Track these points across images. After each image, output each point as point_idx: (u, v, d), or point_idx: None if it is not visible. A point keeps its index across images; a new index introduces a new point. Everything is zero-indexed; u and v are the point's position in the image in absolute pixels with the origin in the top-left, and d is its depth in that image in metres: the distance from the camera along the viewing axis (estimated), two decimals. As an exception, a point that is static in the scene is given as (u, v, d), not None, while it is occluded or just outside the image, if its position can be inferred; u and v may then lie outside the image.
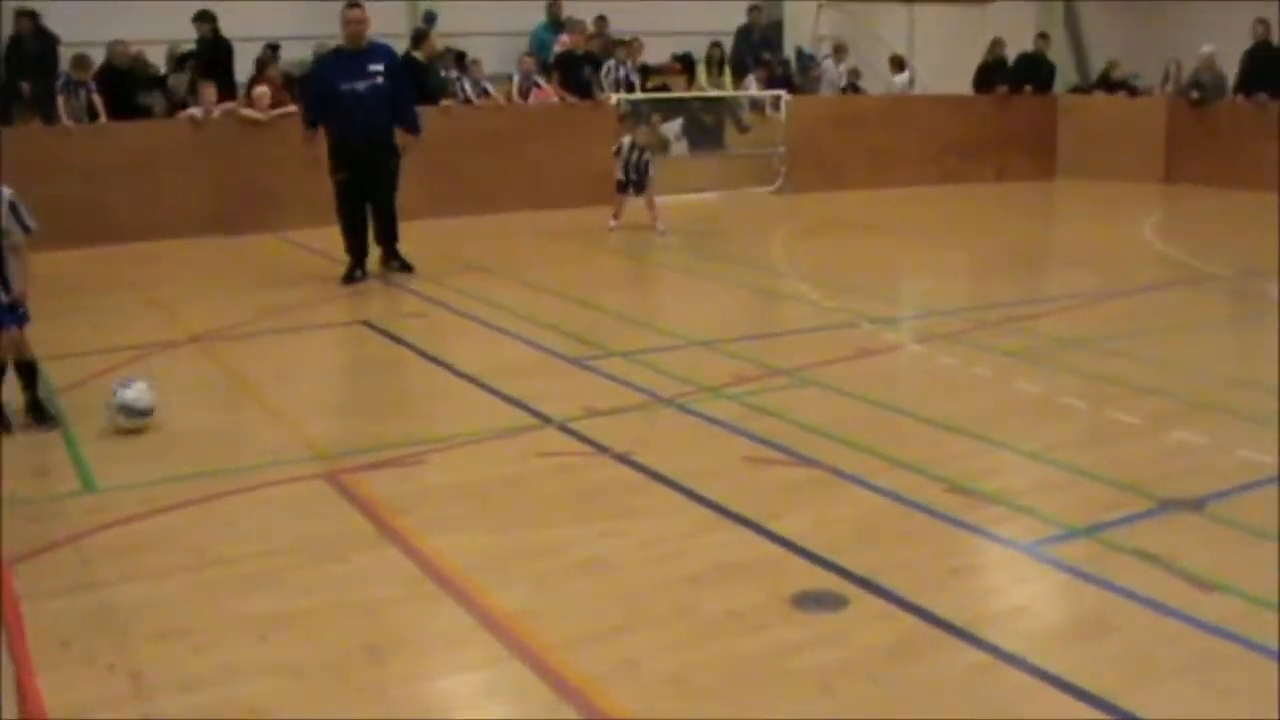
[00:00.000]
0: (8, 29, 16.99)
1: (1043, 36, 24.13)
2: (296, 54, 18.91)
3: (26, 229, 7.90)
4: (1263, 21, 20.72)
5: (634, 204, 16.36)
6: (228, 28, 18.16)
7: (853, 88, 22.88)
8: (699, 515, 6.22)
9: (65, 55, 16.61)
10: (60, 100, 15.83)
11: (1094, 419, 7.89)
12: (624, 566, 5.63)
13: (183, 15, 17.86)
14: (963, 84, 23.09)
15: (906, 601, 5.16)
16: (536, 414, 7.98)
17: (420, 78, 17.03)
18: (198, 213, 15.85)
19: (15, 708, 4.44)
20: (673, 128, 20.42)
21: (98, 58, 16.52)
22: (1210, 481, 6.65)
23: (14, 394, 8.00)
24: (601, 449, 7.29)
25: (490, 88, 19.00)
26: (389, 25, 18.24)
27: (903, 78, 23.20)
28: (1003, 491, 6.50)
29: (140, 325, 10.89)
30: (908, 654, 4.79)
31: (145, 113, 16.83)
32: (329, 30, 17.61)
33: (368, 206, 13.03)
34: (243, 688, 4.58)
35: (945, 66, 23.70)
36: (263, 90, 16.89)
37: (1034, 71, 23.08)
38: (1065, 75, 25.76)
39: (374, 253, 13.30)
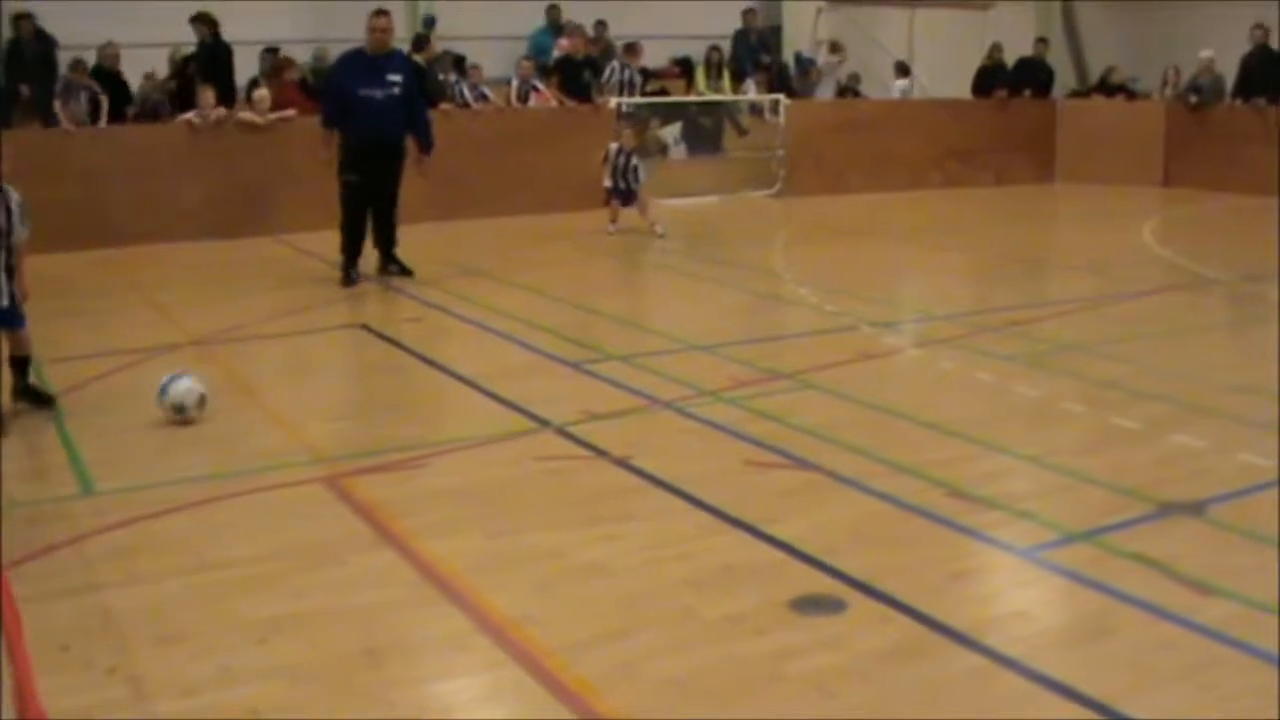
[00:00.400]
0: (7, 32, 17.00)
1: (1042, 40, 24.18)
2: (299, 57, 18.93)
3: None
4: (1261, 26, 20.75)
5: (628, 210, 16.39)
6: (228, 31, 18.17)
7: (852, 91, 22.90)
8: (698, 519, 6.22)
9: (64, 59, 16.65)
10: (59, 104, 15.85)
11: (1093, 423, 7.89)
12: (622, 570, 5.62)
13: (184, 18, 17.90)
14: (962, 88, 23.12)
15: (905, 605, 5.15)
16: (535, 418, 7.97)
17: (422, 82, 17.03)
18: (197, 216, 15.85)
19: (14, 711, 4.44)
20: (672, 132, 20.46)
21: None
22: (1210, 485, 6.65)
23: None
24: (600, 453, 7.28)
25: (489, 93, 19.01)
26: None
27: (904, 83, 23.22)
28: (1002, 496, 6.49)
29: (139, 328, 10.89)
30: (907, 658, 4.79)
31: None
32: (327, 34, 17.76)
33: (369, 211, 13.07)
34: (242, 691, 4.57)
35: (944, 70, 23.73)
36: (262, 94, 16.90)
37: (1033, 75, 23.11)
38: (1064, 79, 25.81)
39: (371, 257, 13.32)
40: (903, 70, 23.43)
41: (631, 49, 20.38)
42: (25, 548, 5.84)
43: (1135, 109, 22.69)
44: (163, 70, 18.04)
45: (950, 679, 4.63)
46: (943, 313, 11.55)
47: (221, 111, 16.42)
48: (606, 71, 19.93)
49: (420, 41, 18.25)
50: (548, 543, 5.94)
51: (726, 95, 21.69)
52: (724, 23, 23.04)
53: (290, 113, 16.72)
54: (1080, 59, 27.92)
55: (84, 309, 11.81)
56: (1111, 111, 22.76)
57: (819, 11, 25.07)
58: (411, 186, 13.68)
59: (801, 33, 24.82)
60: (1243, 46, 20.96)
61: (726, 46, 22.68)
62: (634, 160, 16.50)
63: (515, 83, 19.15)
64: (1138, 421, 7.83)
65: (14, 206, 8.00)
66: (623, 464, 7.08)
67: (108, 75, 16.80)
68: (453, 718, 4.60)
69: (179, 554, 5.82)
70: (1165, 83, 22.56)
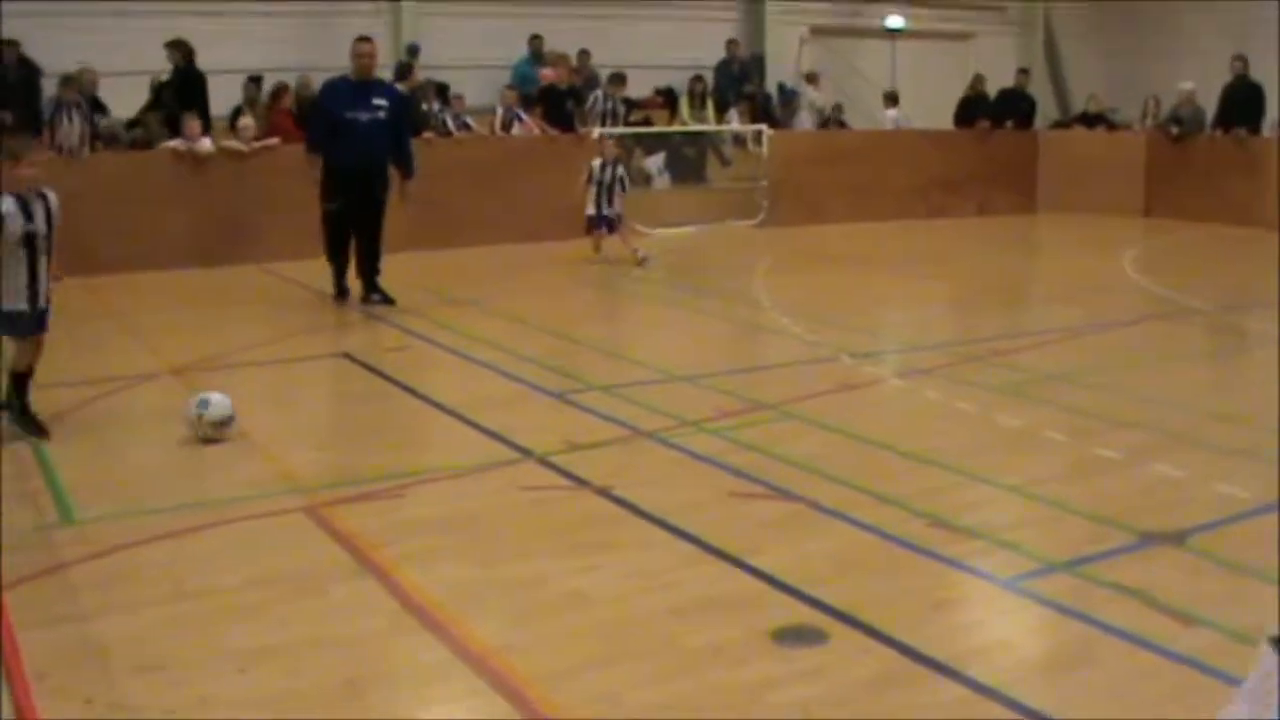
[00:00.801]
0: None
1: (1023, 71, 24.31)
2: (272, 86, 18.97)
3: None
4: (1240, 57, 20.88)
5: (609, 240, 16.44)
6: (211, 59, 18.19)
7: (836, 122, 22.98)
8: (680, 549, 6.21)
9: (47, 85, 16.64)
10: (48, 130, 15.86)
11: (1075, 453, 7.91)
12: (604, 600, 5.62)
13: (257, 48, 18.02)
14: (944, 118, 23.21)
15: (887, 636, 5.16)
16: (517, 447, 7.97)
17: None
18: (179, 243, 15.83)
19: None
20: (655, 162, 20.51)
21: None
22: (1190, 515, 6.67)
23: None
24: (582, 483, 7.28)
25: (471, 122, 19.06)
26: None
27: (894, 113, 23.28)
28: (984, 526, 6.50)
29: (119, 356, 10.87)
30: (888, 689, 4.79)
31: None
32: (312, 62, 17.78)
33: (352, 237, 13.20)
34: (221, 722, 4.56)
35: (927, 101, 23.83)
36: (247, 122, 16.92)
37: (1015, 106, 23.24)
38: (1046, 110, 25.92)
39: (355, 283, 13.40)
40: (892, 100, 23.50)
41: (616, 79, 20.43)
42: (5, 576, 5.81)
43: (1116, 139, 22.80)
44: (143, 97, 18.04)
45: (932, 709, 4.62)
46: (925, 343, 11.58)
47: (208, 143, 16.43)
48: (590, 101, 19.98)
49: (403, 70, 18.29)
50: (529, 572, 5.93)
51: (710, 125, 21.77)
52: (707, 53, 23.13)
53: (274, 141, 16.74)
54: (1062, 90, 28.05)
55: (64, 337, 11.71)
56: (1093, 142, 22.87)
57: (802, 42, 25.17)
58: (395, 215, 13.72)
59: (785, 63, 24.90)
60: (1223, 78, 21.10)
61: (710, 77, 22.77)
62: (620, 170, 16.56)
63: (499, 112, 19.21)
64: (1118, 451, 7.85)
65: (54, 210, 8.35)
66: (604, 494, 7.07)
67: (88, 101, 16.78)
68: (433, 748, 4.60)
69: (159, 583, 5.81)
70: (1146, 113, 22.69)
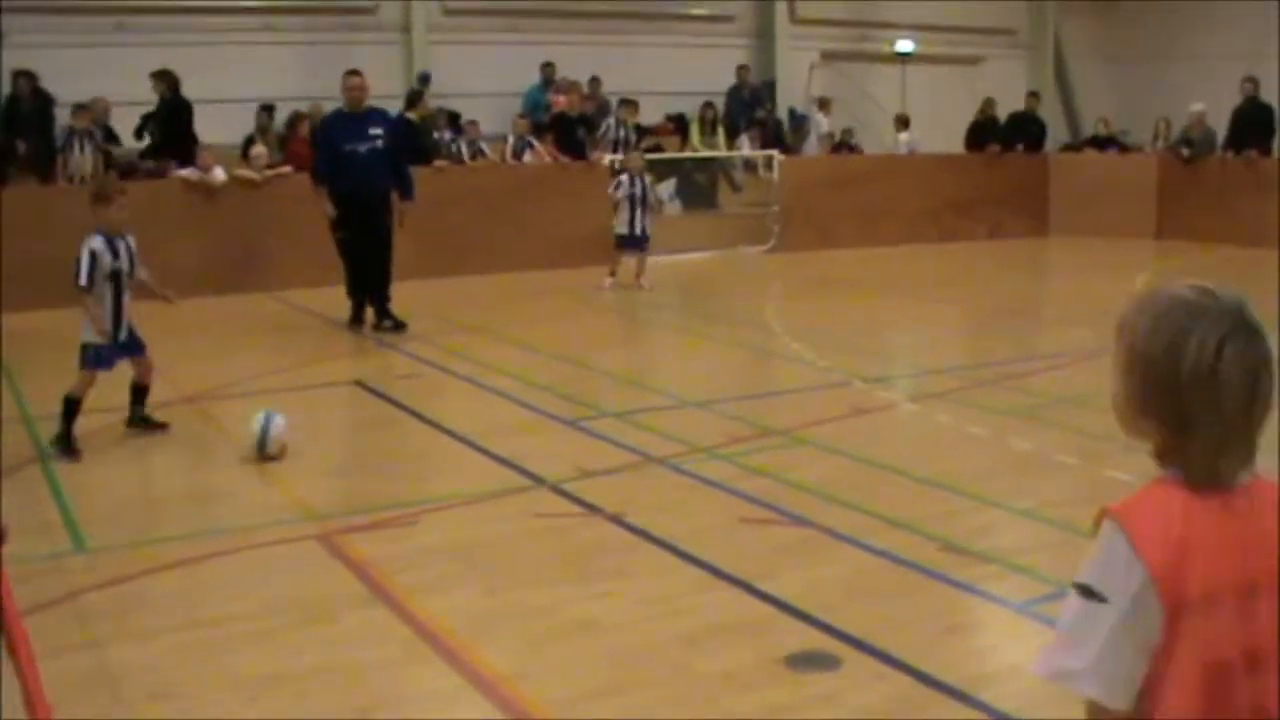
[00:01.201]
0: (6, 88, 17.06)
1: (1033, 94, 24.33)
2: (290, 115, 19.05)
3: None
4: (1251, 79, 20.90)
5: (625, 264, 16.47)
6: (223, 87, 18.29)
7: (846, 146, 22.99)
8: (692, 576, 6.21)
9: (60, 115, 16.72)
10: (61, 158, 15.94)
11: (1087, 476, 7.88)
12: (616, 627, 5.61)
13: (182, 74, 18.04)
14: (955, 142, 23.24)
15: (900, 661, 5.14)
16: (529, 475, 7.97)
17: (414, 138, 17.16)
18: (192, 272, 15.81)
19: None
20: (666, 188, 20.54)
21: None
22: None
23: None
24: (594, 509, 7.27)
25: (486, 148, 19.12)
26: (383, 86, 18.36)
27: (905, 137, 23.28)
28: (996, 550, 6.48)
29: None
30: (901, 714, 4.77)
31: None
32: (324, 91, 17.81)
33: (365, 262, 13.48)
34: (232, 751, 4.55)
35: (937, 124, 23.85)
36: (259, 150, 16.99)
37: (1025, 129, 23.28)
38: (1056, 133, 25.93)
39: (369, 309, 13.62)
40: (903, 124, 23.51)
41: (628, 106, 20.50)
42: (18, 604, 5.81)
43: (1127, 162, 22.81)
44: (237, 127, 18.10)
45: (945, 735, 4.61)
46: (937, 367, 11.57)
47: (220, 172, 16.48)
48: (602, 128, 20.04)
49: (414, 98, 18.35)
50: (541, 599, 5.93)
51: (721, 151, 21.81)
52: (718, 79, 23.18)
53: (286, 169, 16.81)
54: (1072, 112, 28.07)
55: (76, 365, 11.77)
56: (1104, 165, 22.88)
57: (812, 67, 25.22)
58: (406, 243, 13.81)
59: (795, 88, 24.96)
60: (1233, 99, 21.11)
61: (721, 103, 22.81)
62: (648, 183, 16.67)
63: (510, 139, 19.26)
64: (1131, 474, 7.79)
65: (134, 250, 9.06)
66: (616, 521, 7.07)
67: (100, 130, 16.86)
68: (445, 776, 4.59)
69: (171, 611, 5.81)
70: (1157, 136, 22.70)
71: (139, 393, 9.25)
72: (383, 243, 13.54)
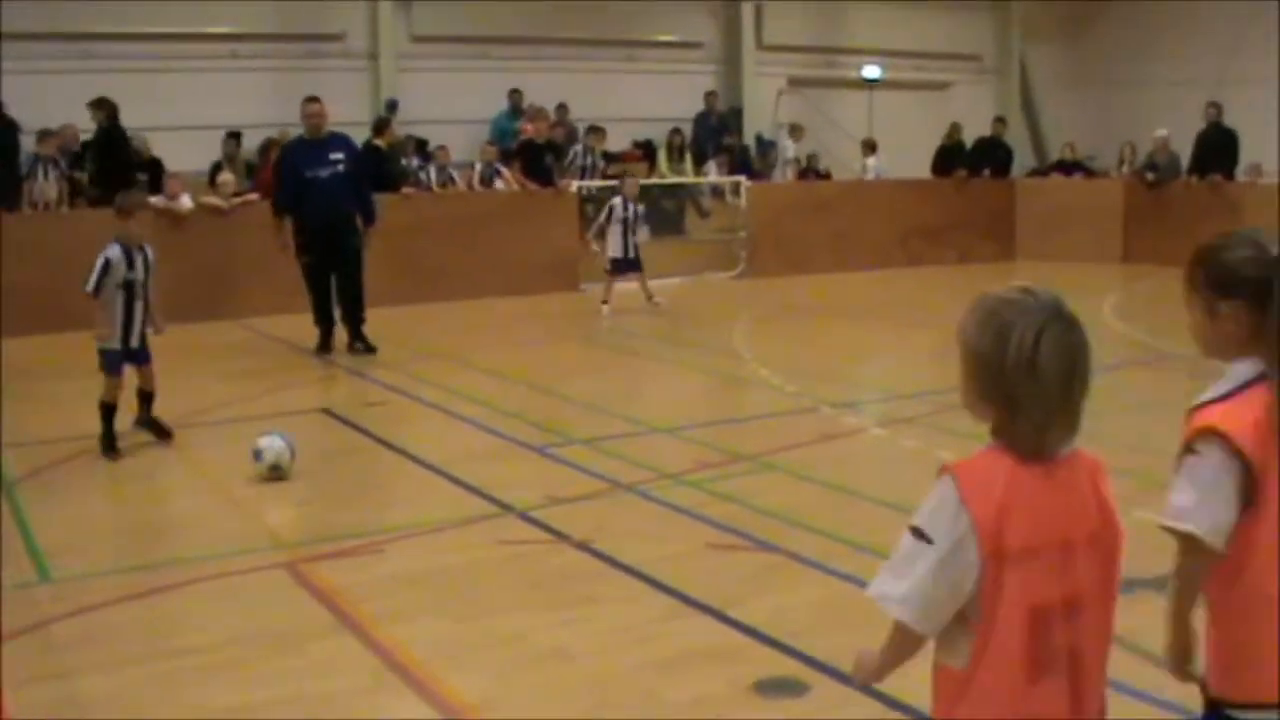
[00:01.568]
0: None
1: (1000, 120, 24.46)
2: (259, 142, 19.01)
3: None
4: (1214, 104, 21.08)
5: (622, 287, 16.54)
6: (189, 114, 18.28)
7: (814, 172, 23.06)
8: (660, 603, 6.21)
9: (26, 142, 16.66)
10: (27, 185, 15.88)
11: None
12: (585, 655, 5.60)
13: (151, 100, 18.04)
14: (922, 168, 23.34)
15: (869, 687, 5.14)
16: (497, 502, 7.96)
17: (382, 165, 17.17)
18: (158, 300, 15.79)
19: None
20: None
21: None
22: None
23: None
24: (562, 537, 7.27)
25: (456, 175, 19.12)
26: (351, 113, 18.39)
27: (872, 162, 23.35)
28: (964, 574, 6.48)
29: (97, 414, 10.81)
30: (870, 740, 4.78)
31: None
32: (292, 117, 17.79)
33: (333, 287, 13.66)
34: (199, 782, 4.53)
35: (904, 150, 23.94)
36: (226, 178, 16.97)
37: (992, 155, 23.41)
38: (1023, 158, 26.08)
39: (342, 333, 13.74)
40: (870, 149, 23.58)
41: (595, 132, 20.54)
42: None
43: (1093, 187, 22.95)
44: (204, 154, 18.07)
45: (914, 760, 4.62)
46: (905, 392, 11.59)
47: (187, 200, 16.44)
48: (569, 155, 20.08)
49: (382, 125, 18.36)
50: (509, 627, 5.92)
51: (688, 177, 21.85)
52: (685, 105, 23.26)
53: (253, 197, 16.79)
54: (1038, 138, 28.24)
55: (43, 393, 11.75)
56: (1070, 189, 23.02)
57: (779, 94, 25.32)
58: (375, 270, 13.84)
59: (763, 114, 25.05)
60: (1197, 124, 21.27)
61: (688, 129, 22.88)
62: (640, 212, 16.81)
63: (478, 166, 19.28)
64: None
65: (151, 263, 9.49)
66: (585, 548, 7.06)
67: (66, 158, 16.80)
68: (413, 806, 4.57)
69: (137, 642, 5.79)
70: (1122, 160, 22.85)
71: (146, 397, 9.74)
72: (351, 266, 13.61)
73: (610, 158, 21.75)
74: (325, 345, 13.78)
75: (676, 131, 22.44)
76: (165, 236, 16.07)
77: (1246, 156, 20.97)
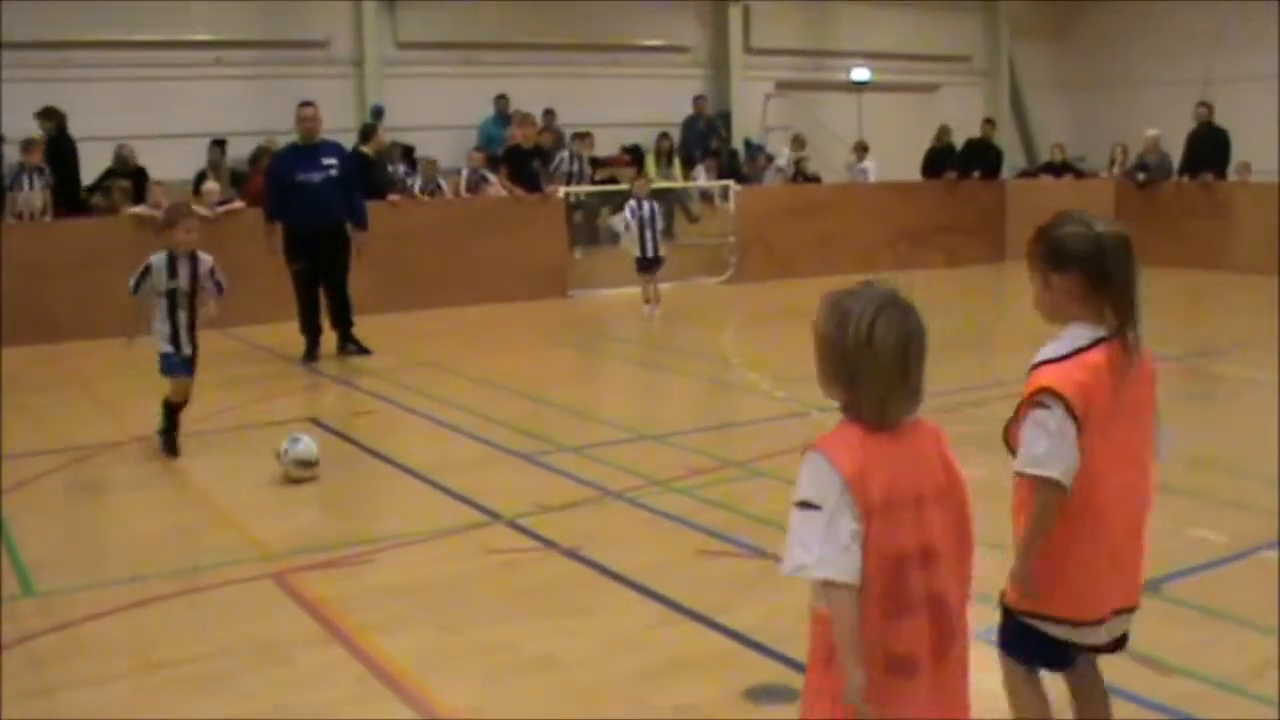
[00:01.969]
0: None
1: (989, 122, 24.50)
2: (246, 149, 19.01)
3: (220, 288, 9.92)
4: (1205, 104, 21.12)
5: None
6: (172, 122, 18.27)
7: (801, 176, 23.06)
8: (651, 610, 6.20)
9: (9, 152, 16.64)
10: (10, 195, 15.85)
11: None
12: (575, 664, 5.60)
13: (133, 110, 18.03)
14: (910, 170, 23.37)
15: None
16: (486, 510, 7.95)
17: (368, 172, 17.16)
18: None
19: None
20: (620, 220, 20.60)
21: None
22: (1166, 562, 6.65)
23: None
24: (551, 545, 7.27)
25: (444, 184, 19.12)
26: (336, 120, 18.36)
27: (861, 166, 23.35)
28: (956, 579, 6.48)
29: (82, 425, 10.82)
30: (862, 746, 4.76)
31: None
32: (276, 125, 17.81)
33: (321, 293, 13.77)
34: (186, 796, 4.52)
35: (893, 153, 23.97)
36: (211, 186, 16.95)
37: (981, 156, 23.43)
38: (1013, 160, 26.13)
39: (331, 338, 13.98)
40: (863, 151, 23.59)
41: (582, 138, 20.55)
42: (-34, 653, 5.77)
43: (1084, 187, 22.97)
44: (188, 162, 18.09)
45: (906, 766, 4.61)
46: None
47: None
48: (555, 160, 20.08)
49: (367, 132, 18.33)
50: (498, 637, 5.92)
51: (676, 182, 21.86)
52: (673, 110, 23.28)
53: (238, 205, 16.79)
54: (1028, 139, 28.30)
55: (26, 405, 11.72)
56: (1060, 191, 23.02)
57: (767, 97, 25.36)
58: (361, 278, 13.85)
59: (751, 118, 25.07)
60: (1187, 124, 21.32)
61: (676, 133, 22.90)
62: (657, 208, 16.88)
63: (465, 172, 19.28)
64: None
65: (202, 271, 9.67)
66: (574, 556, 7.06)
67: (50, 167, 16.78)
68: (402, 818, 4.56)
69: (124, 655, 5.77)
70: (1113, 161, 22.89)
71: (173, 409, 9.74)
72: (341, 271, 13.71)
73: (598, 163, 21.77)
74: (312, 354, 13.82)
75: (664, 136, 22.47)
76: (149, 246, 16.07)
77: (1237, 155, 21.01)
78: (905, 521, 3.15)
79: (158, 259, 9.53)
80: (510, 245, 18.32)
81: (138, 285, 9.54)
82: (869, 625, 3.09)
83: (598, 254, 19.92)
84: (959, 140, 23.61)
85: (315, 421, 10.88)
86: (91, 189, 17.41)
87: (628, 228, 17.06)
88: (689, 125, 23.37)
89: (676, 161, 22.42)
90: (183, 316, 9.62)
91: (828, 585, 3.10)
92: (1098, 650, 4.16)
